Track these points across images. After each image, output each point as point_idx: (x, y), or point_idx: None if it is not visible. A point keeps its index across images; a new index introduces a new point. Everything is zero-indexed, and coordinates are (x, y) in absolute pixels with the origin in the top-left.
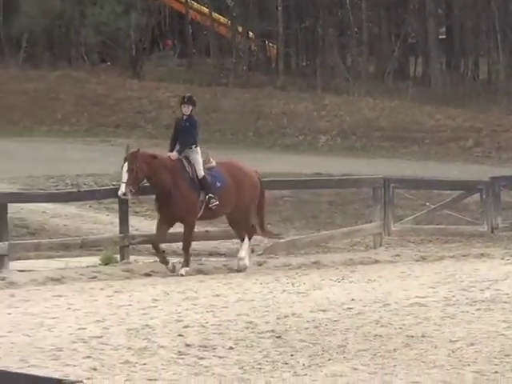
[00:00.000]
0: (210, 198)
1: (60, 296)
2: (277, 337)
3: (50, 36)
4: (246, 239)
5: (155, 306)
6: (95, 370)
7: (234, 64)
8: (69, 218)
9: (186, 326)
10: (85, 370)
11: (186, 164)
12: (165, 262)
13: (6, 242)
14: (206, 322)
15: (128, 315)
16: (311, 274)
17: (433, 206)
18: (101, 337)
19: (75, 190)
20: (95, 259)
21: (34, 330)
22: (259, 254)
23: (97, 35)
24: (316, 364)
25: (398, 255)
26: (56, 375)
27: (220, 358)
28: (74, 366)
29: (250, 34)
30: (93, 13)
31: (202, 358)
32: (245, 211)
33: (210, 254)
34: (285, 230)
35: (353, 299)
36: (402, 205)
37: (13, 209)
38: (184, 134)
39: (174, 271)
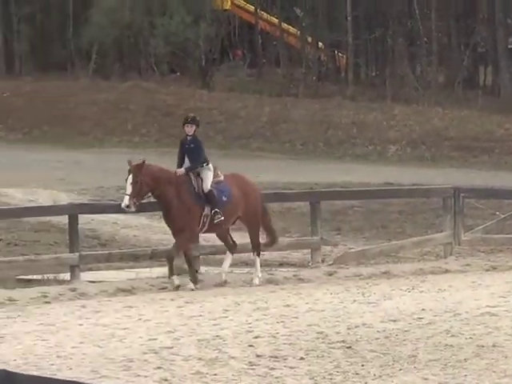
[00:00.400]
0: (215, 212)
1: (131, 307)
2: (347, 347)
3: (120, 47)
4: (229, 254)
5: (226, 317)
6: (166, 380)
7: (304, 74)
8: (139, 229)
9: (256, 337)
10: (156, 380)
11: (192, 178)
12: (172, 273)
13: (77, 253)
14: (277, 333)
15: (199, 326)
16: (381, 283)
17: (503, 216)
18: (172, 347)
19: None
20: (165, 270)
21: (105, 341)
22: (329, 264)
23: (166, 46)
24: (387, 374)
25: (468, 265)
26: None
27: (291, 368)
28: (145, 376)
29: (320, 44)
30: (162, 23)
31: (272, 369)
32: (252, 222)
33: (281, 264)
34: (355, 239)
35: (423, 309)
36: (472, 214)
37: (84, 220)
38: (191, 156)
39: (177, 289)
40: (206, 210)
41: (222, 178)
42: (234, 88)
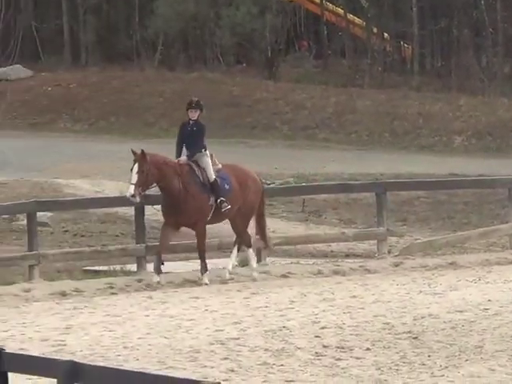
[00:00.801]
0: (221, 201)
1: (197, 298)
2: (414, 338)
3: (185, 38)
4: (235, 250)
5: (292, 308)
6: (233, 371)
7: (369, 65)
8: None
9: (322, 328)
10: (222, 371)
11: (195, 168)
12: (157, 271)
13: (144, 244)
14: (343, 324)
15: (265, 317)
16: (447, 274)
17: None
18: (238, 338)
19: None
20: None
21: (171, 332)
22: (396, 255)
23: (232, 37)
24: (453, 365)
25: None
26: (194, 377)
27: (357, 359)
28: (212, 367)
29: (385, 34)
30: (228, 14)
31: (339, 360)
32: (246, 215)
33: (347, 255)
34: (421, 230)
35: (489, 300)
36: None
37: (150, 210)
38: (192, 140)
39: (158, 283)
40: (211, 200)
41: (220, 166)
42: (300, 79)
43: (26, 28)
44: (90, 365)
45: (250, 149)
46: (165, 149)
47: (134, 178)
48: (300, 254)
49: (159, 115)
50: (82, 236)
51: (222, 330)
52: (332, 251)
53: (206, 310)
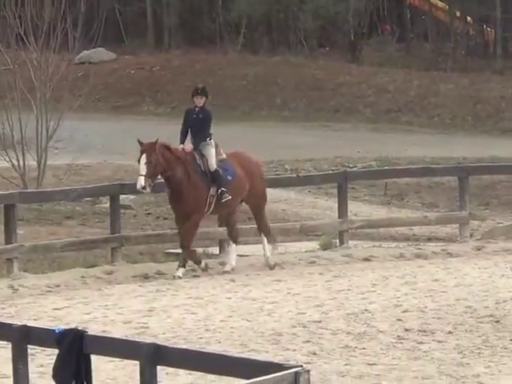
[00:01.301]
0: (222, 192)
1: (279, 281)
2: (496, 321)
3: (269, 21)
4: (233, 245)
5: (374, 291)
6: (314, 354)
7: (452, 49)
8: (288, 203)
9: (404, 311)
10: (304, 354)
11: (197, 157)
12: (198, 261)
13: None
14: (425, 307)
15: (347, 300)
16: None
17: None
18: (320, 321)
19: (294, 175)
20: (314, 244)
21: (253, 315)
22: (478, 239)
23: (315, 20)
24: None
25: None
26: (276, 360)
27: (439, 342)
28: (294, 350)
29: (468, 18)
30: None
31: (421, 343)
32: (259, 202)
33: (429, 239)
34: (503, 214)
35: None
36: None
37: None
38: (198, 127)
39: (206, 270)
40: (212, 190)
41: (224, 156)
42: (383, 62)
43: (109, 11)
44: (173, 347)
45: (333, 132)
46: (247, 132)
47: (143, 169)
48: (382, 237)
49: (242, 98)
50: (165, 219)
51: (304, 313)
52: (414, 235)
53: (289, 292)
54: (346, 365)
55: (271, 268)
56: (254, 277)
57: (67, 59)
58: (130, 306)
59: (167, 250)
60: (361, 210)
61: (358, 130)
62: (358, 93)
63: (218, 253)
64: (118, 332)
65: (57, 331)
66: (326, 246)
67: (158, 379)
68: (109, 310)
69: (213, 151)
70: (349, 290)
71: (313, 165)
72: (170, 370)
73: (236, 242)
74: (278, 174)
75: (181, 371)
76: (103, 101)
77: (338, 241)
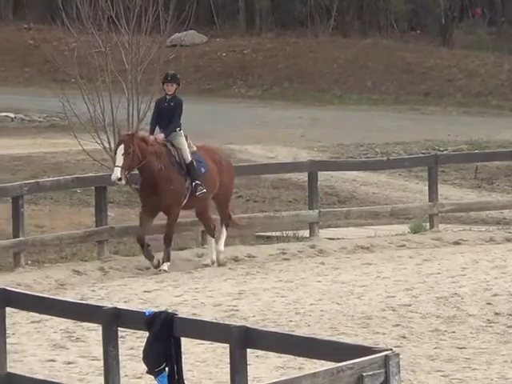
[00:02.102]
0: (196, 185)
1: (369, 264)
2: None
3: (360, 4)
4: (225, 230)
5: (464, 275)
6: (404, 338)
7: None
8: (378, 186)
9: (494, 295)
10: (394, 337)
11: (171, 148)
12: (150, 257)
13: (317, 210)
14: None
15: (437, 283)
16: None
17: None
18: (410, 305)
19: (385, 158)
20: (404, 227)
21: (343, 298)
22: None
23: (406, 3)
24: None
25: None
26: (366, 343)
27: None
28: (384, 333)
29: None
30: None
31: (510, 327)
32: (225, 196)
33: (498, 223)
34: None
35: None
36: None
37: (323, 177)
38: (169, 116)
39: (158, 267)
40: (187, 183)
41: (195, 148)
42: (473, 46)
43: None
44: (263, 330)
45: (423, 115)
46: (338, 115)
47: (120, 160)
48: (472, 220)
49: (333, 81)
50: (255, 201)
51: (393, 297)
52: (504, 218)
53: (378, 276)
54: (435, 348)
55: (222, 264)
56: (343, 260)
57: (158, 42)
58: (219, 288)
59: (257, 233)
60: (451, 193)
61: (448, 113)
62: (449, 76)
63: (308, 236)
64: (207, 315)
65: (147, 314)
66: (416, 230)
67: (248, 362)
68: (199, 293)
69: (184, 142)
70: (439, 273)
71: (403, 148)
72: (260, 352)
73: (213, 236)
74: (368, 157)
75: (271, 354)
76: (194, 83)
77: (428, 224)
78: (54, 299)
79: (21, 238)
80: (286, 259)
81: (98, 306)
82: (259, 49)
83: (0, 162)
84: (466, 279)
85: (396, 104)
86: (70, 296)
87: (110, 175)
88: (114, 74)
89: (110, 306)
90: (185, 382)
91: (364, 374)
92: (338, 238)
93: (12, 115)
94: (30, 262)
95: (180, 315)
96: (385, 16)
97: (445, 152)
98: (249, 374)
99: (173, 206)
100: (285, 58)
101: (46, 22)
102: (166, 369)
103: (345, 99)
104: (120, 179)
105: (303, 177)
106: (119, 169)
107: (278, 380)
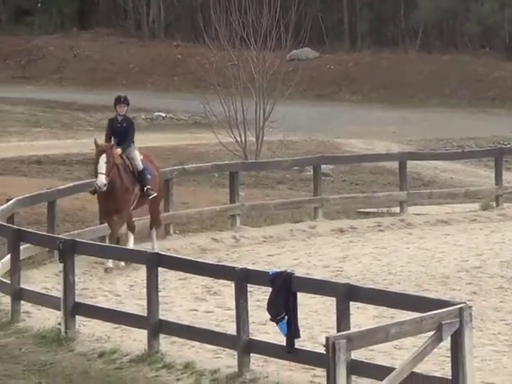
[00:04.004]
0: (148, 189)
1: (447, 234)
2: None
3: (441, 27)
4: (155, 230)
5: None
6: (475, 293)
7: None
8: (455, 173)
9: None
10: (467, 293)
11: (125, 158)
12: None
13: (405, 191)
14: None
15: (501, 250)
16: None
17: None
18: (480, 267)
19: (460, 150)
20: (475, 205)
21: (426, 262)
22: None
23: (477, 26)
24: None
25: None
26: (444, 297)
27: None
28: (459, 290)
29: None
30: (474, 8)
31: None
32: (156, 199)
33: None
34: None
35: None
36: None
37: (410, 165)
38: (123, 136)
39: (109, 272)
40: (136, 189)
41: (142, 157)
42: None
43: (314, 18)
44: (363, 287)
45: (491, 116)
46: (422, 116)
47: (103, 167)
48: None
49: (419, 89)
50: (357, 184)
51: (466, 260)
52: None
53: (455, 244)
54: (500, 302)
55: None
56: (427, 231)
57: (280, 57)
58: (328, 253)
59: (358, 210)
60: None
61: (511, 114)
62: (511, 85)
63: (398, 212)
64: (318, 274)
65: (270, 273)
66: (485, 207)
67: (350, 312)
68: (311, 257)
69: (137, 153)
70: (503, 242)
71: (475, 142)
72: (360, 305)
73: (154, 228)
74: (446, 150)
75: (368, 306)
76: (308, 90)
77: (494, 203)
78: (196, 261)
79: (170, 212)
80: (381, 230)
81: (231, 266)
82: (360, 62)
83: (153, 151)
84: None
85: (469, 107)
86: (209, 259)
87: (276, 160)
88: (245, 82)
89: (240, 266)
90: (300, 327)
91: (443, 323)
92: (423, 214)
93: (163, 114)
94: (177, 231)
95: (297, 274)
96: (460, 36)
97: (508, 146)
98: (351, 322)
99: (124, 210)
100: (381, 70)
101: (191, 40)
102: (286, 317)
103: (428, 103)
104: (105, 185)
105: (395, 165)
106: (103, 175)
107: (373, 326)
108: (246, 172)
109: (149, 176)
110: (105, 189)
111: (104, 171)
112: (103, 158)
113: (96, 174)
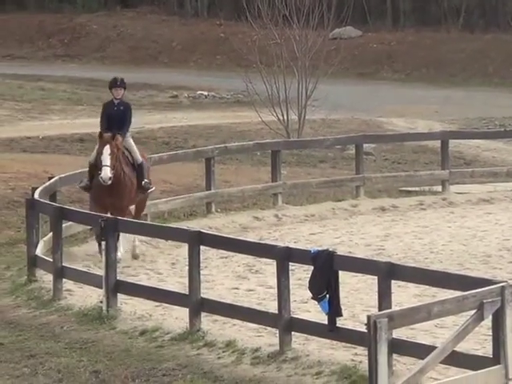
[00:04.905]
0: (146, 183)
1: (489, 213)
2: None
3: (483, 6)
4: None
5: None
6: None
7: None
8: (497, 152)
9: None
10: (508, 272)
11: (125, 150)
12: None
13: (447, 170)
14: None
15: None
16: None
17: None
18: None
19: (502, 129)
20: None
21: (468, 240)
22: None
23: None
24: None
25: None
26: (486, 276)
27: None
28: (500, 269)
29: None
30: None
31: None
32: (147, 194)
33: None
34: None
35: None
36: None
37: (452, 144)
38: (120, 120)
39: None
40: (135, 182)
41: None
42: None
43: None
44: (404, 265)
45: None
46: (465, 95)
47: (107, 159)
48: None
49: (461, 68)
50: (399, 163)
51: (508, 240)
52: None
53: (496, 223)
54: None
55: (136, 258)
56: (469, 210)
57: (322, 35)
58: (370, 232)
59: (400, 188)
60: None
61: None
62: None
63: (440, 190)
64: (360, 253)
65: (312, 252)
66: None
67: (392, 291)
68: (353, 236)
69: (133, 143)
70: None
71: None
72: (401, 283)
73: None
74: (489, 128)
75: (410, 284)
76: (351, 69)
77: None
78: (238, 239)
79: (212, 191)
80: (422, 209)
81: (273, 245)
82: (403, 41)
83: (196, 130)
84: None
85: (506, 85)
86: (250, 237)
87: (318, 139)
88: (287, 61)
89: (282, 245)
90: (341, 306)
91: (484, 301)
92: (465, 193)
93: (206, 93)
94: (219, 209)
95: (338, 253)
96: (503, 15)
97: None
98: (392, 300)
99: (129, 205)
100: (423, 49)
101: (234, 18)
102: (327, 296)
103: (470, 82)
104: (110, 178)
105: (437, 144)
106: (108, 168)
107: (415, 305)
108: (288, 150)
109: (145, 169)
110: (110, 182)
111: (109, 163)
112: (107, 150)
113: (100, 167)
